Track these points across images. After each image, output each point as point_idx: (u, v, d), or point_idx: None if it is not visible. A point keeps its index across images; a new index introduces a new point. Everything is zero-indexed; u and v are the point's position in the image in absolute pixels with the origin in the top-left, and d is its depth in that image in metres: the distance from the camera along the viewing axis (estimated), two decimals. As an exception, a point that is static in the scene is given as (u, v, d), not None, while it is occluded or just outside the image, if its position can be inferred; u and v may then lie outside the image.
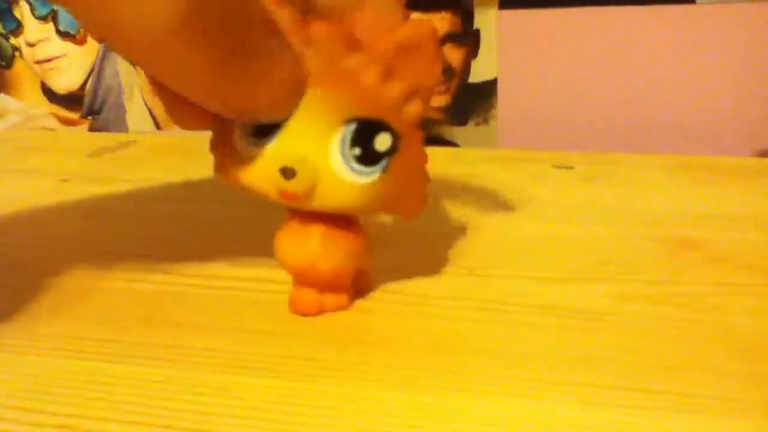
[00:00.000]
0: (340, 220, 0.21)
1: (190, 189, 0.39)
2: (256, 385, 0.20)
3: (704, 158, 0.43)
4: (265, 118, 0.19)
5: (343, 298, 0.23)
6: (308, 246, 0.21)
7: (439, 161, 0.43)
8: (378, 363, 0.21)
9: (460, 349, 0.22)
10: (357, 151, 0.20)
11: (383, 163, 0.20)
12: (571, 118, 0.51)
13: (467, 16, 0.49)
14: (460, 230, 0.32)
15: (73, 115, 0.64)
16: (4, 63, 0.64)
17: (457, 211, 0.34)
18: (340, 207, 0.21)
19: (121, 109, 0.62)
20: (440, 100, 0.52)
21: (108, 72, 0.62)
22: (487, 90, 0.50)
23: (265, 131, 0.20)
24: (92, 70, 0.62)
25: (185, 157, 0.48)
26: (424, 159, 0.22)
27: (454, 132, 0.52)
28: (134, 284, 0.27)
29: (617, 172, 0.40)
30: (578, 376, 0.20)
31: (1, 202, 0.38)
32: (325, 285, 0.22)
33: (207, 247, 0.31)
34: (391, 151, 0.20)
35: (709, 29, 0.47)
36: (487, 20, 0.49)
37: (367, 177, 0.20)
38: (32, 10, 0.62)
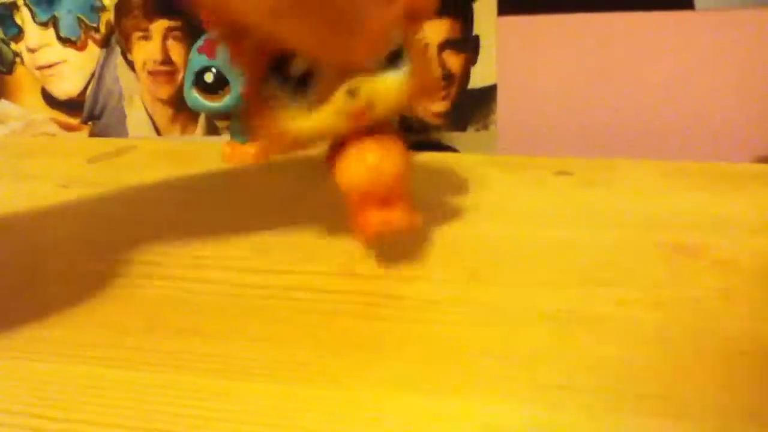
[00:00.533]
0: (386, 131, 0.25)
1: (189, 194, 0.39)
2: (255, 389, 0.20)
3: (703, 164, 0.43)
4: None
5: (405, 212, 0.26)
6: (372, 155, 0.25)
7: (439, 167, 0.44)
8: (378, 368, 0.21)
9: (460, 354, 0.22)
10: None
11: (403, 59, 0.24)
12: (570, 124, 0.51)
13: (467, 22, 0.49)
14: (461, 236, 0.32)
15: (74, 121, 0.64)
16: (4, 69, 0.64)
17: (457, 216, 0.34)
18: (393, 107, 0.24)
19: (121, 115, 0.62)
20: (440, 106, 0.52)
21: (108, 78, 0.62)
22: (487, 96, 0.50)
23: (303, 81, 0.23)
24: (92, 76, 0.62)
25: (185, 162, 0.48)
26: (425, 51, 0.26)
27: (454, 138, 0.52)
28: (134, 289, 0.27)
29: (616, 178, 0.40)
30: (579, 381, 0.20)
31: (0, 206, 0.38)
32: (390, 192, 0.25)
33: (207, 252, 0.31)
34: (402, 51, 0.24)
35: (708, 35, 0.48)
36: (487, 26, 0.49)
37: (400, 73, 0.24)
38: (33, 16, 0.62)
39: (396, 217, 0.26)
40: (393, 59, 0.24)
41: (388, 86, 0.24)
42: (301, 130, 0.24)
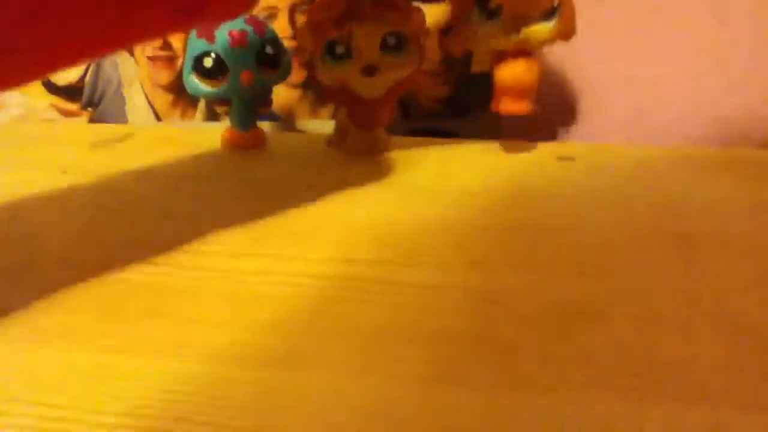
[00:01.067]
0: (529, 55, 0.39)
1: (189, 181, 0.39)
2: (253, 376, 0.20)
3: (706, 150, 0.43)
4: None
5: (527, 105, 0.40)
6: (519, 68, 0.39)
7: (440, 152, 0.43)
8: (375, 354, 0.21)
9: (459, 341, 0.22)
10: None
11: (555, 14, 0.38)
12: (573, 109, 0.51)
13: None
14: (462, 222, 0.32)
15: (73, 107, 0.64)
16: (3, 54, 0.64)
17: (458, 202, 0.34)
18: (541, 44, 0.39)
19: (120, 101, 0.62)
20: (442, 92, 0.52)
21: (107, 64, 0.62)
22: (489, 81, 0.49)
23: (493, 14, 0.38)
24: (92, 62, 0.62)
25: (185, 148, 0.48)
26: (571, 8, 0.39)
27: (456, 123, 0.52)
28: (134, 276, 0.27)
29: (619, 164, 0.40)
30: (577, 375, 0.20)
31: (0, 194, 0.38)
32: (523, 91, 0.39)
33: (206, 238, 0.31)
34: (556, 10, 0.38)
35: (713, 25, 0.47)
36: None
37: (551, 24, 0.38)
38: (31, 1, 0.62)
39: (522, 106, 0.39)
40: (549, 15, 0.37)
41: (540, 31, 0.38)
42: (488, 45, 0.39)
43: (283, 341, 0.22)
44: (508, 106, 0.39)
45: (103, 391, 0.20)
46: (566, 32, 0.38)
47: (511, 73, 0.39)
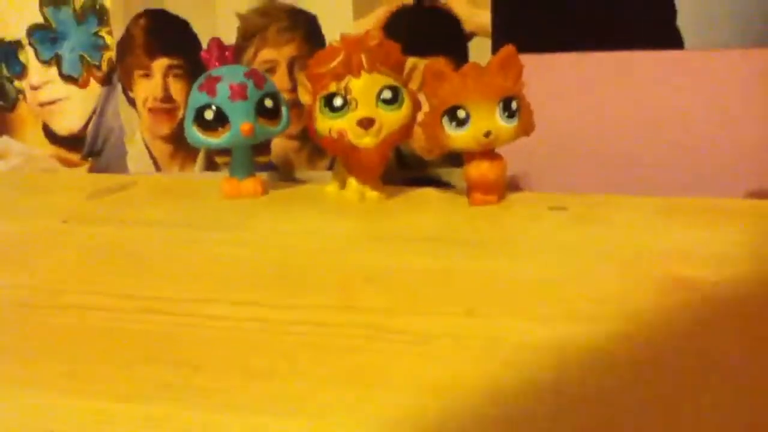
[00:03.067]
0: (494, 152, 0.42)
1: (188, 230, 0.39)
2: (252, 423, 0.20)
3: (698, 200, 0.44)
4: None
5: (496, 198, 0.43)
6: (486, 166, 0.42)
7: (435, 202, 0.44)
8: (374, 402, 0.21)
9: (454, 390, 0.22)
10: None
11: (517, 114, 0.41)
12: (565, 159, 0.52)
13: (463, 60, 0.50)
14: (456, 270, 0.32)
15: (74, 156, 0.64)
16: (7, 106, 0.65)
17: (452, 251, 0.35)
18: (508, 141, 0.42)
19: (121, 151, 0.63)
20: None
21: (109, 114, 0.63)
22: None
23: (461, 123, 0.41)
24: (94, 112, 0.63)
25: (184, 198, 0.48)
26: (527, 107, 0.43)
27: (450, 173, 0.53)
28: (134, 324, 0.27)
29: (612, 214, 0.41)
30: (571, 414, 0.20)
31: (1, 242, 0.38)
32: (491, 186, 0.42)
33: (205, 286, 0.31)
34: (517, 111, 0.42)
35: (698, 74, 0.49)
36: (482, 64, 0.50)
37: (515, 122, 0.41)
38: (37, 54, 0.63)
39: (490, 199, 0.42)
40: (512, 114, 0.41)
41: (507, 130, 0.41)
42: (455, 145, 0.41)
43: (279, 387, 0.22)
44: (477, 200, 0.42)
45: (101, 438, 0.20)
46: (527, 129, 0.42)
47: (478, 170, 0.42)
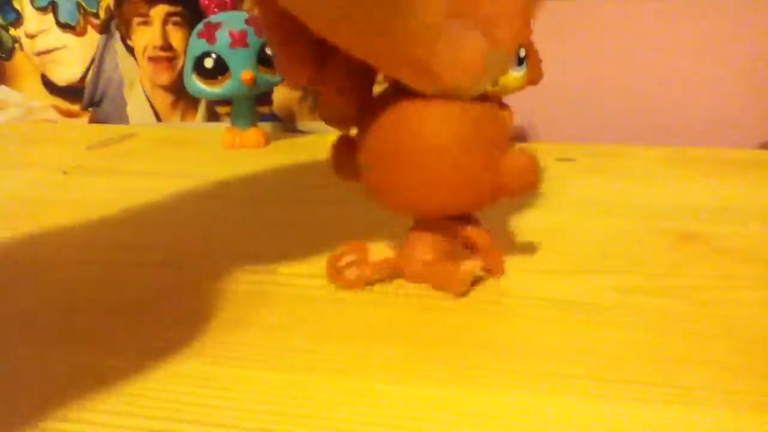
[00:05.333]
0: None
1: (189, 181, 0.39)
2: (265, 377, 0.20)
3: (706, 150, 0.43)
4: None
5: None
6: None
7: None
8: (383, 356, 0.21)
9: (463, 342, 0.22)
10: None
11: (525, 63, 0.41)
12: (572, 110, 0.51)
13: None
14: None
15: (74, 107, 0.64)
16: (3, 55, 0.64)
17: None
18: (515, 89, 0.42)
19: (121, 101, 0.62)
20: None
21: (108, 64, 0.62)
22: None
23: None
24: (92, 62, 0.62)
25: (185, 149, 0.48)
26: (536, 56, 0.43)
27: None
28: (137, 278, 0.27)
29: (619, 165, 0.40)
30: (580, 369, 0.20)
31: (1, 194, 0.38)
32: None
33: (210, 241, 0.31)
34: (525, 59, 0.42)
35: (711, 23, 0.47)
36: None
37: (522, 71, 0.41)
38: (32, 1, 0.62)
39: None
40: (520, 62, 0.41)
41: (512, 80, 0.41)
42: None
43: (291, 342, 0.22)
44: None
45: (98, 389, 0.19)
46: (534, 78, 0.42)
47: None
